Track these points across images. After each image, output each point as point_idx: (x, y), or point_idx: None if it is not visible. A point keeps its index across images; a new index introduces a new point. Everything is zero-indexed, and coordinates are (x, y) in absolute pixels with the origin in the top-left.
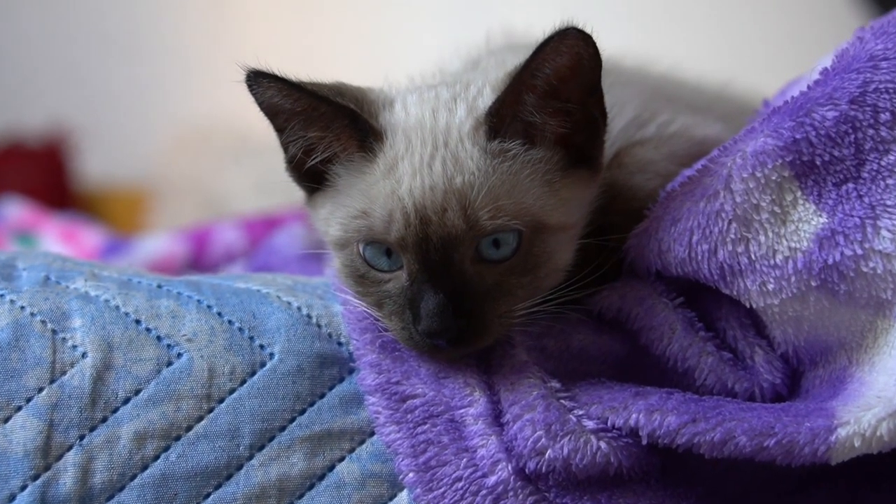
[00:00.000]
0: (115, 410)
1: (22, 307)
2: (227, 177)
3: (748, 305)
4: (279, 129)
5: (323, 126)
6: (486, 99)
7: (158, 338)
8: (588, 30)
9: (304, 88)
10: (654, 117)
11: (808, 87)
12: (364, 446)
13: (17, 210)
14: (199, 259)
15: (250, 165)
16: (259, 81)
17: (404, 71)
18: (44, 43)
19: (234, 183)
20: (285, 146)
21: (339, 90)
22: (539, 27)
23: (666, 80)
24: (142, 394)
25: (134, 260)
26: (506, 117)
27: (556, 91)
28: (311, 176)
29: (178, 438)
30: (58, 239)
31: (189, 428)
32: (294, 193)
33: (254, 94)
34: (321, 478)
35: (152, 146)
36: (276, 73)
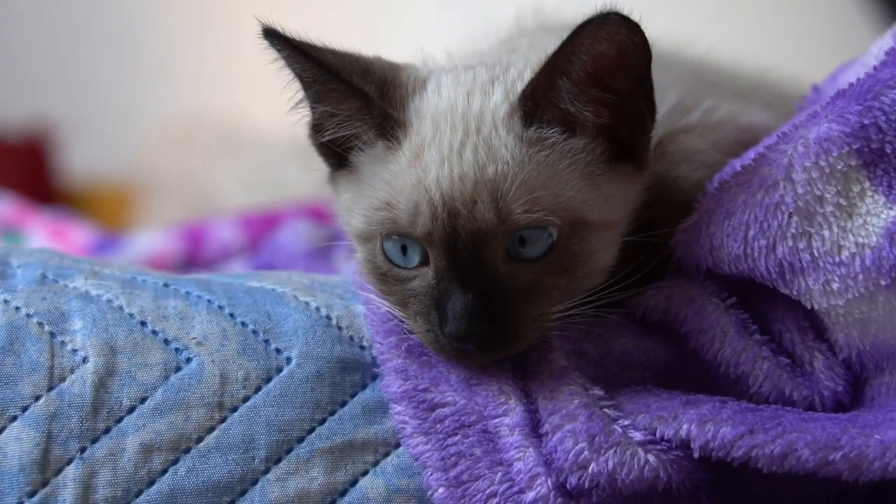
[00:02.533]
0: (119, 420)
1: (17, 308)
2: (216, 173)
3: (809, 306)
4: (304, 90)
5: (335, 103)
6: (525, 82)
7: (166, 341)
8: (634, 16)
9: (312, 58)
10: (698, 103)
11: (875, 68)
12: (389, 459)
13: (3, 206)
14: (194, 258)
15: (239, 161)
16: (271, 42)
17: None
18: (26, 35)
19: (222, 179)
20: (310, 108)
21: (368, 67)
22: (571, 7)
23: (704, 65)
24: (148, 402)
25: (126, 258)
26: (540, 102)
27: (596, 79)
28: (335, 151)
29: (187, 451)
30: (46, 236)
31: (199, 439)
32: (285, 190)
33: (275, 52)
34: (343, 493)
35: (138, 141)
36: (287, 34)
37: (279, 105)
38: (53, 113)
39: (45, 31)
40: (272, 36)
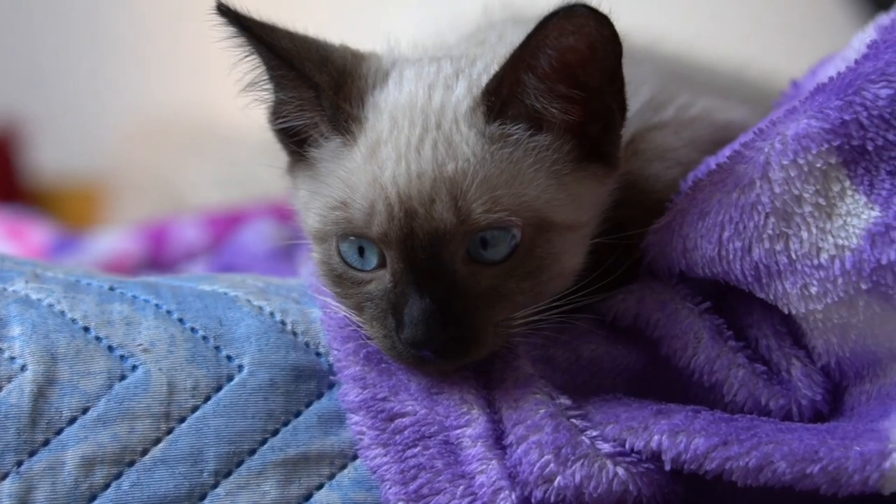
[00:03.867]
0: (59, 432)
1: None
2: (189, 170)
3: (786, 311)
4: (268, 72)
5: (287, 90)
6: (492, 76)
7: (110, 348)
8: (603, 8)
9: (264, 41)
10: (673, 99)
11: (856, 61)
12: (346, 472)
13: None
14: (157, 258)
15: (213, 158)
16: (225, 20)
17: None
18: None
19: (195, 176)
20: (273, 93)
21: (327, 56)
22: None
23: (679, 60)
24: (90, 412)
25: (85, 259)
26: (505, 97)
27: (564, 75)
28: (292, 141)
29: (131, 464)
30: (2, 236)
31: (145, 452)
32: (260, 187)
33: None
34: None
35: (108, 138)
36: (241, 12)
37: (251, 100)
38: (21, 109)
39: (11, 25)
40: (226, 13)
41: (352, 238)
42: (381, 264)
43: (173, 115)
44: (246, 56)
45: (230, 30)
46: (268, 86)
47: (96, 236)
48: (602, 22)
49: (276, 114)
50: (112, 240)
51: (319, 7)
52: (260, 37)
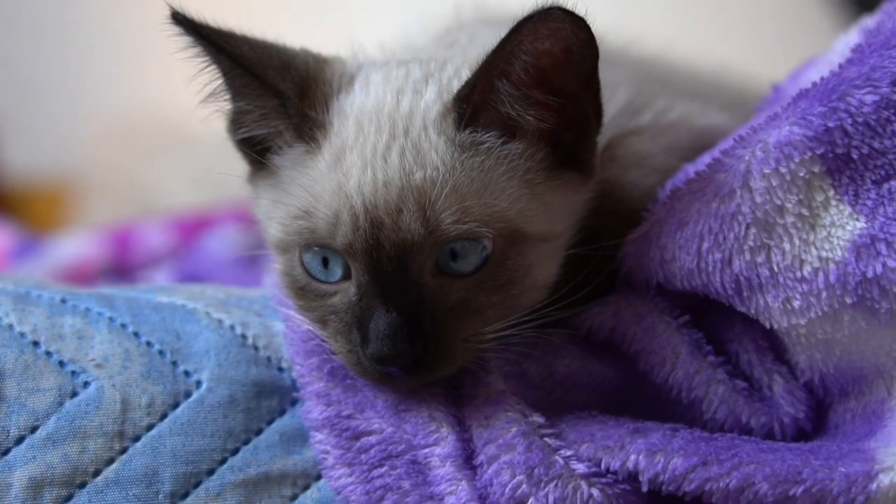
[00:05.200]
0: (6, 452)
1: None
2: (159, 171)
3: (768, 326)
4: (225, 81)
5: (249, 99)
6: (463, 82)
7: (61, 363)
8: (579, 10)
9: (224, 50)
10: (650, 104)
11: (840, 66)
12: (309, 493)
13: None
14: (121, 263)
15: (184, 158)
16: (181, 29)
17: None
18: None
19: (165, 177)
20: (231, 102)
21: (289, 62)
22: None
23: (656, 63)
24: (39, 431)
25: (47, 264)
26: (477, 104)
27: (539, 80)
28: (253, 150)
29: (83, 486)
30: None
31: (97, 473)
32: (231, 189)
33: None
34: None
35: (77, 137)
36: (198, 21)
37: (213, 111)
38: None
39: None
40: (181, 22)
41: (315, 248)
42: (346, 276)
43: (143, 115)
44: (205, 67)
45: (187, 39)
46: (227, 95)
47: (59, 241)
48: (579, 24)
49: (236, 123)
50: (75, 244)
51: (281, 10)
52: (219, 46)
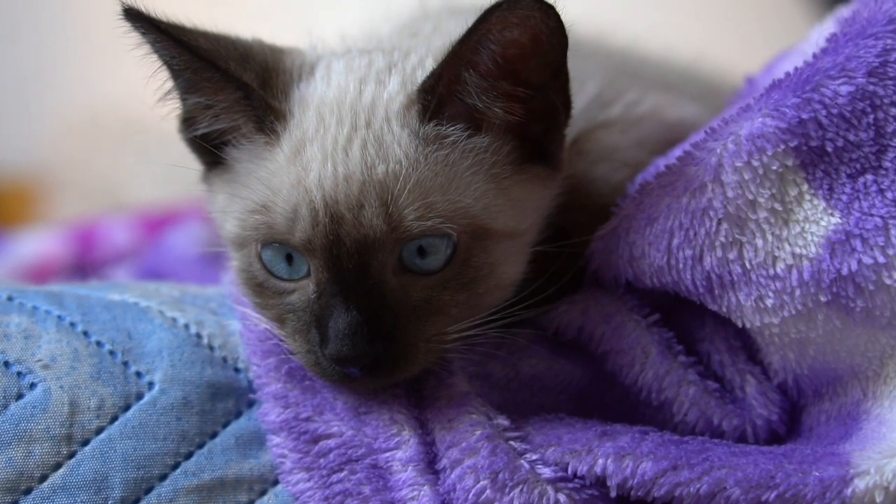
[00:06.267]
0: None
1: None
2: (125, 165)
3: (740, 325)
4: (173, 79)
5: (209, 94)
6: (427, 72)
7: (6, 363)
8: None
9: (184, 44)
10: (620, 96)
11: (815, 56)
12: (266, 498)
13: None
14: (85, 260)
15: (150, 153)
16: (135, 24)
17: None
18: None
19: (134, 173)
20: (180, 100)
21: (247, 53)
22: None
23: (628, 54)
24: None
25: (9, 261)
26: (442, 96)
27: (507, 71)
28: (208, 147)
29: (28, 492)
30: None
31: (43, 478)
32: (199, 184)
33: (140, 36)
34: None
35: (41, 132)
36: (155, 16)
37: (172, 109)
38: None
39: None
40: (135, 17)
41: (276, 245)
42: (304, 274)
43: (110, 109)
44: (160, 64)
45: (141, 35)
46: (179, 93)
47: (20, 238)
48: (548, 12)
49: (190, 121)
50: (37, 242)
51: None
52: (178, 39)
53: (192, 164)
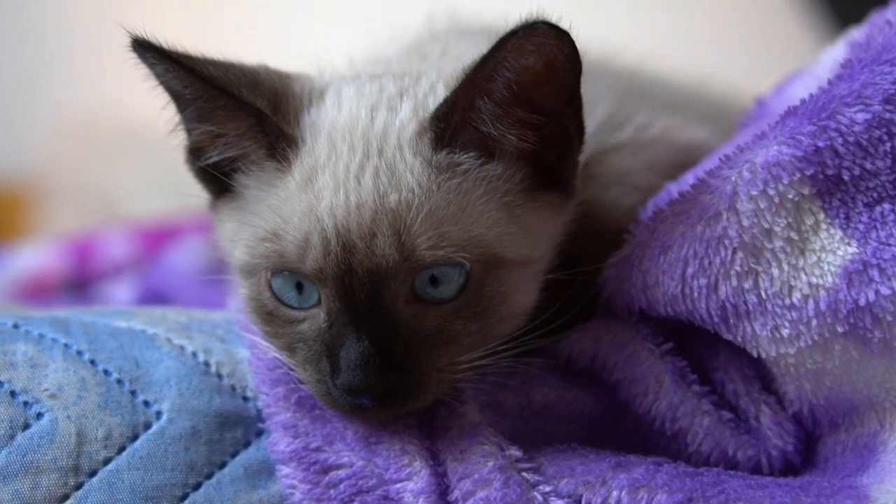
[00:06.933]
0: None
1: None
2: (120, 174)
3: (755, 354)
4: (179, 111)
5: (222, 122)
6: (439, 98)
7: (13, 393)
8: (564, 24)
9: (197, 72)
10: (630, 118)
11: (830, 82)
12: None
13: None
14: (82, 275)
15: (147, 160)
16: (144, 55)
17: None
18: None
19: (129, 181)
20: (186, 131)
21: (255, 79)
22: (489, 9)
23: (636, 75)
24: None
25: (3, 276)
26: (455, 124)
27: (521, 98)
28: (216, 175)
29: None
30: None
31: None
32: (198, 194)
33: (146, 66)
34: None
35: (32, 138)
36: (165, 46)
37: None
38: None
39: None
40: (145, 48)
41: (286, 273)
42: (314, 303)
43: (105, 114)
44: (167, 96)
45: (153, 66)
46: (188, 124)
47: (15, 251)
48: (563, 39)
49: (199, 152)
50: (33, 255)
51: (237, 23)
52: (193, 69)
53: (186, 171)
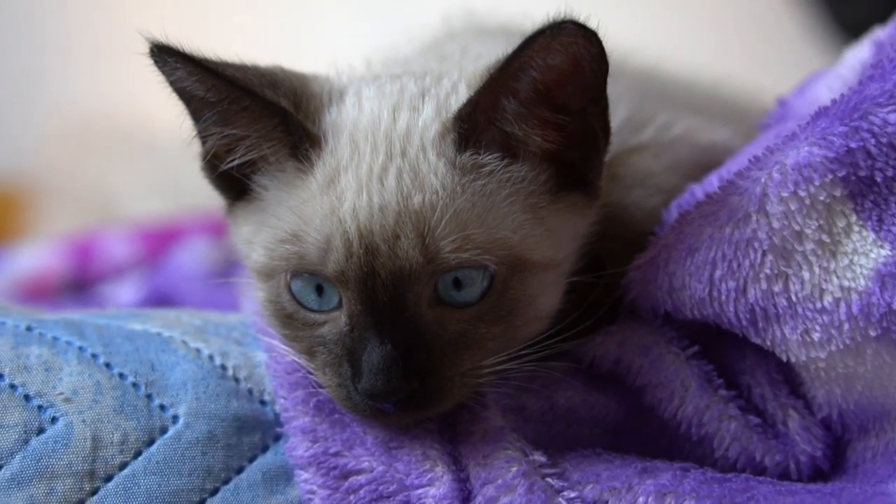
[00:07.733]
0: None
1: None
2: (120, 175)
3: (785, 358)
4: (194, 117)
5: (245, 124)
6: (461, 98)
7: (27, 397)
8: (592, 23)
9: (221, 74)
10: (651, 119)
11: (861, 83)
12: None
13: None
14: (83, 275)
15: (146, 161)
16: (165, 60)
17: (325, 57)
18: None
19: (127, 182)
20: (201, 138)
21: (274, 79)
22: (506, 8)
23: (654, 74)
24: (3, 472)
25: (4, 277)
26: (479, 124)
27: (546, 98)
28: (232, 180)
29: None
30: None
31: None
32: (199, 196)
33: (162, 72)
34: None
35: (29, 138)
36: (187, 51)
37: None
38: None
39: None
40: (167, 53)
41: (306, 275)
42: (335, 306)
43: (103, 114)
44: (183, 105)
45: (174, 71)
46: (202, 131)
47: (15, 252)
48: (591, 39)
49: (216, 157)
50: (33, 255)
51: (252, 24)
52: (217, 72)
53: (184, 172)
